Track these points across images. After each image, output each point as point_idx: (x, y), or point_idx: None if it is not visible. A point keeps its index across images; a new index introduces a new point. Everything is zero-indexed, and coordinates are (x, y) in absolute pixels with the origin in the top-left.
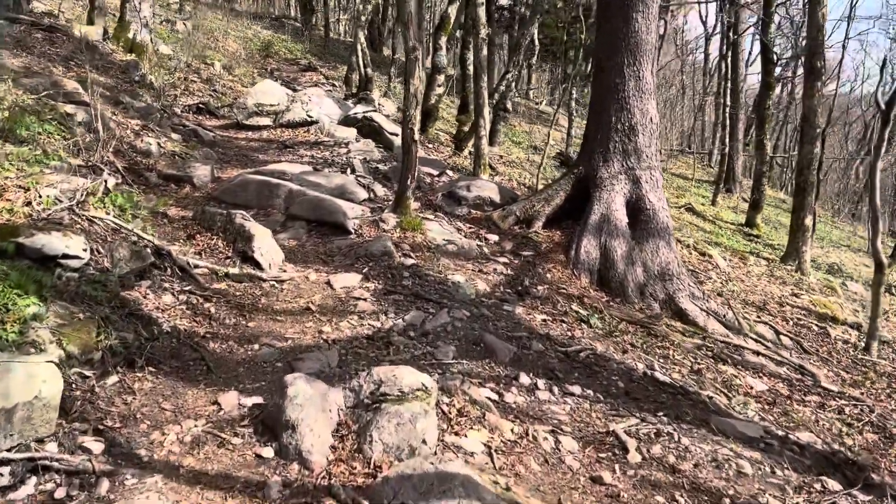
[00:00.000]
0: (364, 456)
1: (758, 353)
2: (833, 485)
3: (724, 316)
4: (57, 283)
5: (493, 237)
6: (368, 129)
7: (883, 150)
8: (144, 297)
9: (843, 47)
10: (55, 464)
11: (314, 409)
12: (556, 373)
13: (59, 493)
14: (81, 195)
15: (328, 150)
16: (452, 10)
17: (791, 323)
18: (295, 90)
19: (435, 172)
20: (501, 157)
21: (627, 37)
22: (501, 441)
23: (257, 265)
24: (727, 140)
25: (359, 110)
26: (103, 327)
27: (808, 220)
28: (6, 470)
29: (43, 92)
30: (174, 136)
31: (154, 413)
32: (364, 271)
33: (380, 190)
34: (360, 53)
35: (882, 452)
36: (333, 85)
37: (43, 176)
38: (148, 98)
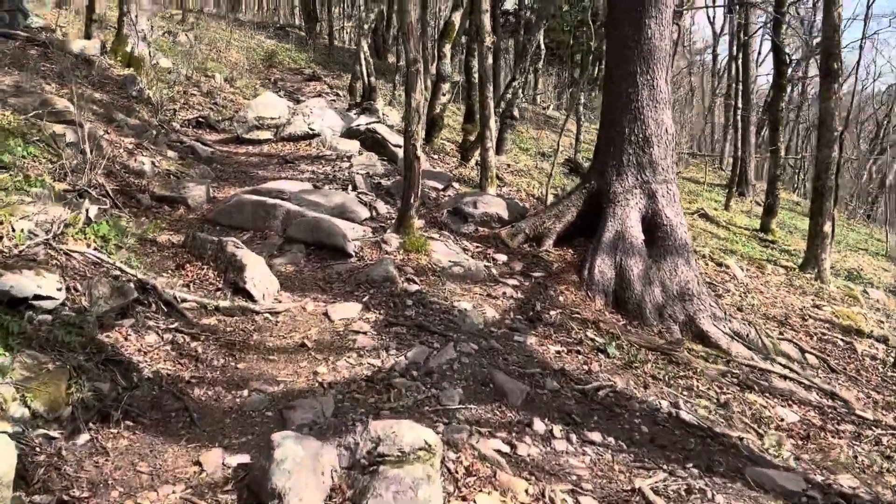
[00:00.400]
0: None
1: (785, 378)
2: None
3: (748, 336)
4: (27, 328)
5: (502, 257)
6: (372, 141)
7: None
8: (125, 339)
9: (861, 47)
10: None
11: (305, 472)
12: (574, 416)
13: None
14: (59, 227)
15: (330, 164)
16: (456, 17)
17: (815, 338)
18: (298, 101)
19: (440, 186)
20: (509, 165)
21: (640, 44)
22: None
23: (250, 297)
24: (739, 143)
25: (362, 122)
26: (75, 378)
27: (827, 227)
28: None
29: (32, 112)
30: (170, 153)
31: (128, 478)
32: (364, 300)
33: (382, 207)
34: (363, 62)
35: None
36: (337, 94)
37: (19, 206)
38: (145, 113)
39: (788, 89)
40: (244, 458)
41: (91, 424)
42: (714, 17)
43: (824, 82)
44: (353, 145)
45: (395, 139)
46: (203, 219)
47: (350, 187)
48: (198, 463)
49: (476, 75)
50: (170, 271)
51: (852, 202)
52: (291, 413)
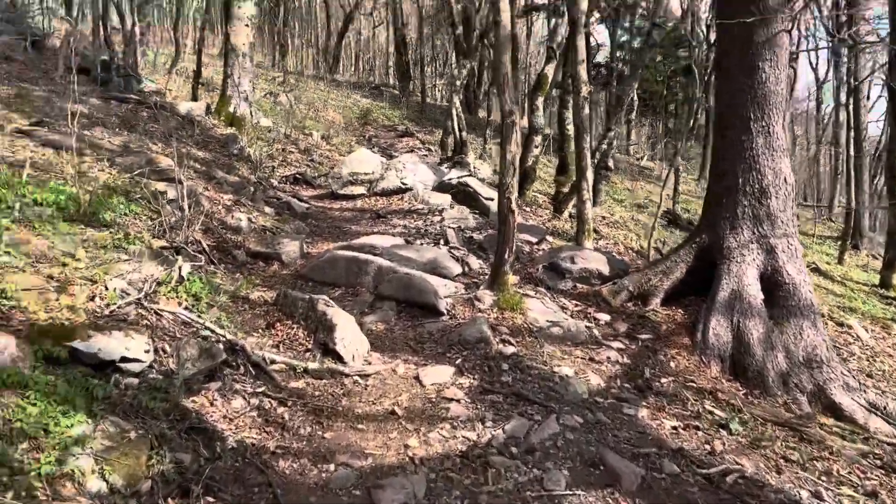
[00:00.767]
0: None
1: None
2: None
3: (885, 409)
4: (112, 392)
5: (604, 316)
6: (463, 194)
7: None
8: (211, 404)
9: None
10: None
11: None
12: None
13: None
14: (151, 286)
15: (421, 218)
16: (550, 70)
17: None
18: (391, 157)
19: (534, 239)
20: (604, 217)
21: (753, 89)
22: None
23: (339, 358)
24: (852, 192)
25: (453, 175)
26: (157, 448)
27: None
28: None
29: (136, 170)
30: (267, 209)
31: None
32: (457, 363)
33: (474, 263)
34: (454, 117)
35: None
36: (429, 149)
37: (114, 265)
38: (245, 170)
39: None
40: None
41: (170, 501)
42: (817, 63)
43: None
44: (444, 199)
45: (487, 192)
46: (296, 274)
47: (442, 242)
48: None
49: (570, 126)
50: (260, 330)
51: None
52: (380, 493)
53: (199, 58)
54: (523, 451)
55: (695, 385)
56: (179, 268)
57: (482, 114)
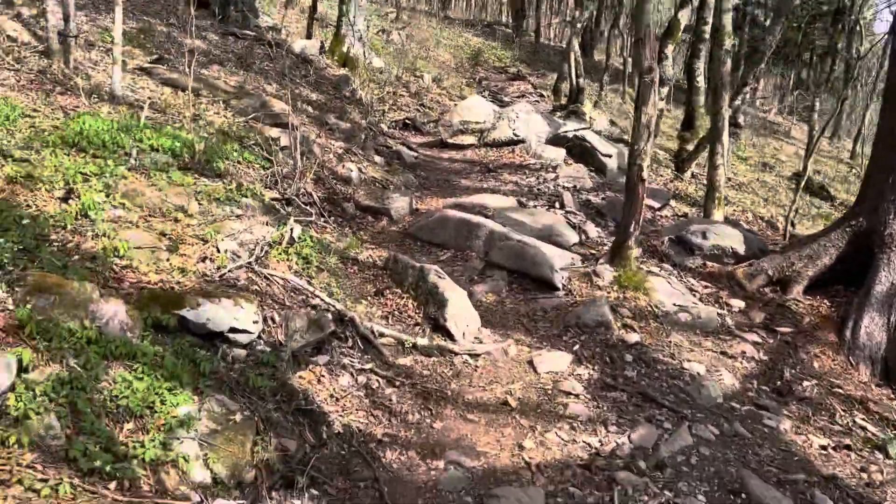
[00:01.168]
0: None
1: None
2: None
3: None
4: (219, 367)
5: (738, 303)
6: (579, 149)
7: None
8: (318, 381)
9: None
10: None
11: None
12: None
13: None
14: (261, 249)
15: (534, 174)
16: (683, 16)
17: None
18: (502, 102)
19: (656, 204)
20: (728, 179)
21: None
22: None
23: (449, 335)
24: None
25: (569, 128)
26: (262, 433)
27: None
28: None
29: (251, 114)
30: (377, 158)
31: None
32: (575, 349)
33: (592, 231)
34: (573, 63)
35: None
36: (542, 95)
37: (226, 223)
38: (356, 115)
39: None
40: None
41: (273, 493)
42: None
43: None
44: (558, 153)
45: (605, 148)
46: (405, 232)
47: (557, 205)
48: None
49: (700, 78)
50: (369, 298)
51: None
52: None
53: None
54: (652, 467)
55: (842, 391)
56: (291, 229)
57: (598, 56)
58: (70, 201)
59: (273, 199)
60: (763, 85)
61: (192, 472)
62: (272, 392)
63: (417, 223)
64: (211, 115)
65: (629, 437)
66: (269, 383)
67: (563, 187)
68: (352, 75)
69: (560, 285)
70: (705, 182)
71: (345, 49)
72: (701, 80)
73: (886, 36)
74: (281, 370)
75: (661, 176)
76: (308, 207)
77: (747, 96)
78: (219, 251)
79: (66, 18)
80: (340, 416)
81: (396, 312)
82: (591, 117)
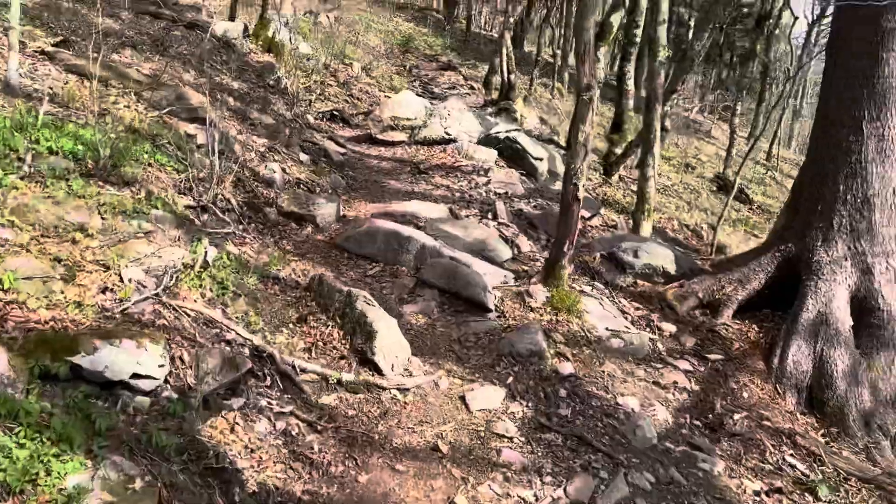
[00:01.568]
0: None
1: None
2: None
3: None
4: (118, 423)
5: (669, 326)
6: (511, 151)
7: None
8: (232, 430)
9: None
10: None
11: None
12: None
13: None
14: (171, 277)
15: (466, 178)
16: (615, 19)
17: None
18: (433, 94)
19: (587, 214)
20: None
21: (872, 83)
22: None
23: (377, 369)
24: None
25: (501, 129)
26: (165, 502)
27: None
28: None
29: (166, 108)
30: (302, 156)
31: None
32: (508, 382)
33: (525, 245)
34: (504, 57)
35: None
36: (472, 87)
37: (131, 244)
38: (281, 106)
39: None
40: None
41: None
42: None
43: None
44: (490, 155)
45: (536, 151)
46: (332, 243)
47: (490, 215)
48: None
49: (629, 81)
50: (291, 326)
51: None
52: None
53: None
54: None
55: (770, 423)
56: (206, 251)
57: (528, 48)
58: None
59: (187, 207)
60: (685, 84)
61: None
62: (178, 450)
63: (345, 233)
64: (121, 108)
65: (565, 489)
66: (174, 440)
67: (496, 194)
68: (277, 62)
69: (492, 307)
70: (634, 189)
71: (270, 33)
72: (630, 84)
73: (824, 59)
74: (189, 421)
75: (590, 179)
76: (226, 215)
77: (675, 102)
78: (122, 280)
79: None
80: (256, 471)
81: (321, 343)
82: (521, 115)
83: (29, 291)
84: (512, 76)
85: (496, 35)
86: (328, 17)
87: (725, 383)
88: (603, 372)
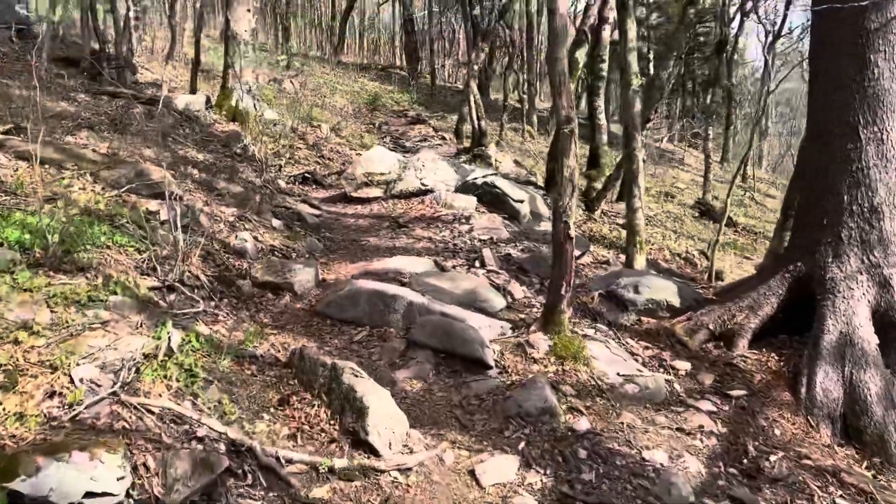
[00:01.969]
0: None
1: None
2: None
3: None
4: None
5: (684, 365)
6: (490, 196)
7: None
8: None
9: None
10: None
11: None
12: None
13: None
14: (130, 371)
15: (447, 227)
16: (581, 55)
17: None
18: (405, 148)
19: (577, 252)
20: None
21: (863, 87)
22: None
23: (373, 451)
24: None
25: (478, 174)
26: None
27: None
28: None
29: (125, 185)
30: (275, 222)
31: None
32: (521, 447)
33: (518, 291)
34: (472, 105)
35: None
36: (444, 138)
37: (84, 338)
38: (249, 173)
39: None
40: None
41: None
42: None
43: None
44: (469, 202)
45: (516, 194)
46: (312, 310)
47: (478, 263)
48: None
49: (601, 116)
50: (272, 410)
51: None
52: None
53: (198, 46)
54: None
55: (810, 462)
56: (169, 336)
57: (494, 95)
58: None
59: (151, 289)
60: (657, 112)
61: None
62: None
63: (326, 298)
64: (76, 190)
65: None
66: None
67: (481, 240)
68: (242, 130)
69: (492, 362)
70: (619, 222)
71: (233, 102)
72: (602, 118)
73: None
74: None
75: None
76: (195, 293)
77: (648, 132)
78: (73, 381)
79: None
80: None
81: (307, 427)
82: (496, 160)
83: None
84: (482, 122)
85: (461, 86)
86: (292, 82)
87: (754, 421)
88: (622, 424)
